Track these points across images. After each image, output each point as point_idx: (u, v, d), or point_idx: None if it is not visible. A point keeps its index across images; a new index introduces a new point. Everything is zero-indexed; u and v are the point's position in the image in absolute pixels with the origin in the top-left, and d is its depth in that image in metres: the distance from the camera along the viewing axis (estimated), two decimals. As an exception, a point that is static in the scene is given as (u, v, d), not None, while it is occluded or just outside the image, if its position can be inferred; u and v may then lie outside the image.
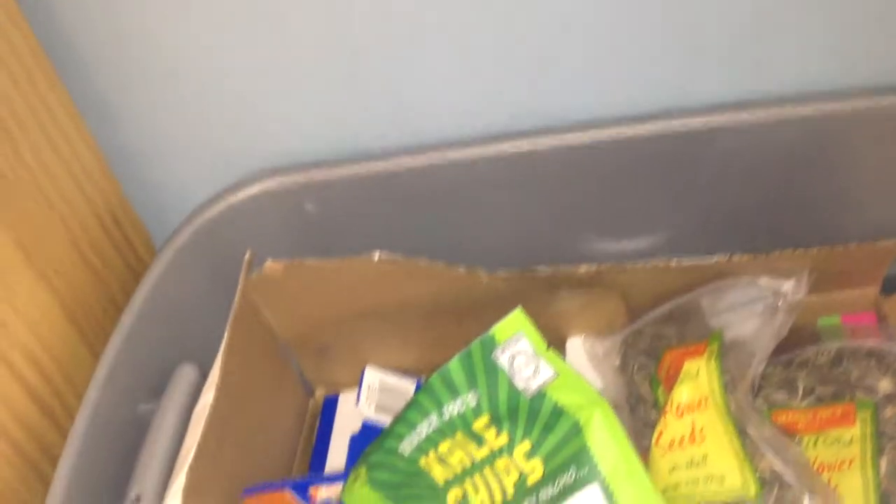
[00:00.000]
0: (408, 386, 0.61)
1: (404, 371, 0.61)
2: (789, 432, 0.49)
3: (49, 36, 0.57)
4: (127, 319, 0.55)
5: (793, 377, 0.51)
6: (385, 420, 0.57)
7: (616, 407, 0.53)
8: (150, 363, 0.56)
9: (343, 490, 0.52)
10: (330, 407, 0.64)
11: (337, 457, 0.61)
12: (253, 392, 0.56)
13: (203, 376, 0.54)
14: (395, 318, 0.59)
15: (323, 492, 0.53)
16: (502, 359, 0.49)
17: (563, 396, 0.47)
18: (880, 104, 0.55)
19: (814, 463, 0.48)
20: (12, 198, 0.52)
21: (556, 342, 0.57)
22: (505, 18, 0.56)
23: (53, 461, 0.49)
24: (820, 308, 0.57)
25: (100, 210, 0.60)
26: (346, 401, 0.64)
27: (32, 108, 0.55)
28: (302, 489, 0.53)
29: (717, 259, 0.50)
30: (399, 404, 0.53)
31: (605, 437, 0.45)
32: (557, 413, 0.47)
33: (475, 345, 0.49)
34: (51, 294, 0.54)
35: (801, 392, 0.51)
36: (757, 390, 0.52)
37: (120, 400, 0.53)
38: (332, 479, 0.53)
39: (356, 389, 0.61)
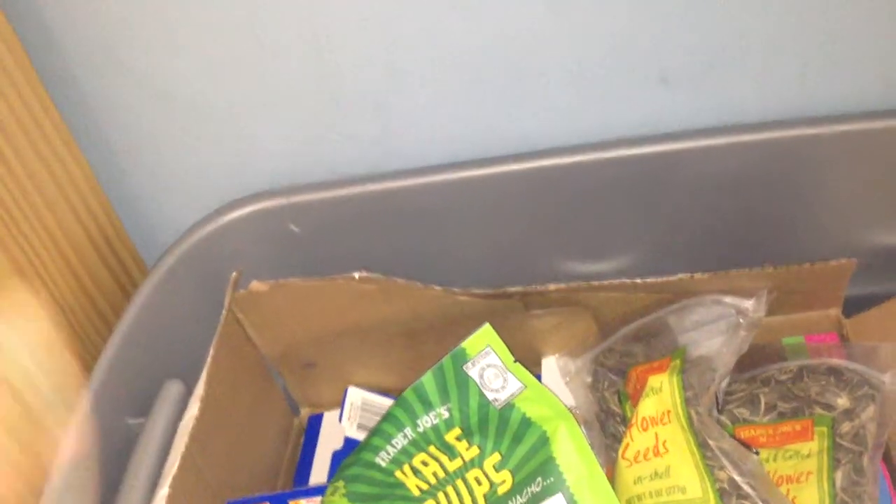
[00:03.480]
0: (389, 405, 0.63)
1: (387, 391, 0.63)
2: (752, 446, 0.51)
3: (44, 61, 0.59)
4: (117, 336, 0.56)
5: (756, 394, 0.53)
6: (367, 438, 0.58)
7: (587, 422, 0.56)
8: (140, 379, 0.57)
9: (321, 503, 0.53)
10: (314, 425, 0.65)
11: (320, 473, 0.62)
12: (237, 407, 0.58)
13: (191, 393, 0.55)
14: (377, 336, 0.61)
15: (302, 504, 0.55)
16: (473, 372, 0.51)
17: (530, 408, 0.49)
18: (840, 130, 0.57)
19: (774, 476, 0.50)
20: (7, 217, 0.54)
21: (532, 360, 0.59)
22: (481, 49, 0.59)
23: (44, 473, 0.51)
24: (785, 329, 0.59)
25: (91, 229, 0.62)
26: (330, 419, 0.65)
27: (27, 133, 0.56)
28: (281, 502, 0.55)
29: (679, 277, 0.52)
30: (380, 423, 0.55)
31: (571, 449, 0.47)
32: (526, 424, 0.49)
33: (447, 359, 0.51)
34: (42, 308, 0.56)
35: (763, 408, 0.53)
36: (722, 406, 0.53)
37: (109, 414, 0.54)
38: (311, 492, 0.55)
39: (340, 409, 0.63)
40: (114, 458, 0.54)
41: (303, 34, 0.58)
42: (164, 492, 0.48)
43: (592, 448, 0.49)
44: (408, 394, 0.52)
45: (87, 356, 0.60)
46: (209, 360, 0.53)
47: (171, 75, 0.61)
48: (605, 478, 0.46)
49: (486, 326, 0.51)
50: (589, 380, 0.57)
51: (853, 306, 0.60)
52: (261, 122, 0.63)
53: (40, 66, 0.59)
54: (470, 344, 0.51)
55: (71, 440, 0.52)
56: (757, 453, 0.50)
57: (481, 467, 0.49)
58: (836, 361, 0.52)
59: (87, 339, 0.60)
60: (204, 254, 0.61)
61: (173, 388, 0.57)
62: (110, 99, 0.62)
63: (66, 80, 0.61)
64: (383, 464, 0.51)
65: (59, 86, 0.61)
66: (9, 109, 0.55)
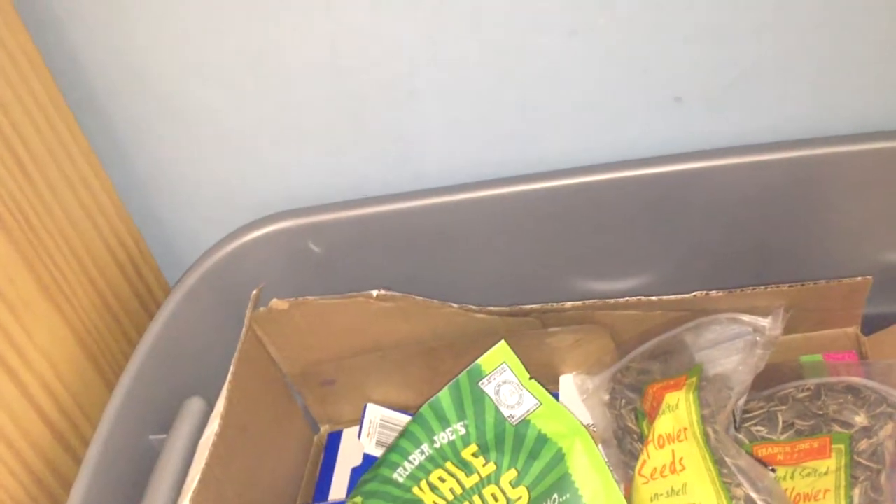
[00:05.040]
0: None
1: (405, 408, 0.63)
2: (769, 464, 0.51)
3: (69, 83, 0.60)
4: (139, 354, 0.57)
5: (773, 412, 0.53)
6: (386, 455, 0.59)
7: (604, 440, 0.56)
8: (161, 396, 0.57)
9: (340, 518, 0.54)
10: (333, 442, 0.66)
11: (339, 489, 0.62)
12: (257, 424, 0.58)
13: (211, 409, 0.56)
14: (396, 354, 0.61)
15: (321, 520, 0.56)
16: (488, 388, 0.51)
17: (546, 425, 0.49)
18: (857, 150, 0.57)
19: (791, 493, 0.49)
20: (32, 235, 0.55)
21: (550, 378, 0.60)
22: (500, 70, 0.59)
23: (67, 488, 0.51)
24: (803, 347, 0.59)
25: (115, 248, 0.63)
26: (349, 436, 0.66)
27: (52, 151, 0.58)
28: (301, 517, 0.55)
29: (695, 294, 0.53)
30: (399, 440, 0.55)
31: (586, 465, 0.47)
32: (541, 441, 0.49)
33: (463, 376, 0.52)
34: (67, 327, 0.57)
35: (780, 426, 0.53)
36: (740, 424, 0.54)
37: (131, 430, 0.55)
38: (330, 507, 0.55)
39: (359, 426, 0.63)
40: (135, 473, 0.54)
41: (325, 59, 0.59)
42: (184, 507, 0.49)
43: (609, 465, 0.49)
44: (424, 410, 0.52)
45: (109, 373, 0.61)
46: (229, 376, 0.54)
47: (195, 99, 0.62)
48: (620, 494, 0.46)
49: (502, 343, 0.52)
50: (606, 398, 0.57)
51: (873, 325, 0.60)
52: (282, 144, 0.64)
53: (67, 89, 0.60)
54: (486, 361, 0.52)
55: (92, 454, 0.52)
56: (774, 471, 0.50)
57: (498, 483, 0.49)
58: (854, 379, 0.52)
59: (110, 357, 0.61)
60: (225, 272, 0.62)
61: (194, 405, 0.57)
62: (135, 122, 0.63)
63: (92, 104, 0.62)
64: (401, 480, 0.52)
65: (85, 109, 0.62)
66: (36, 132, 0.56)
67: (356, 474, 0.62)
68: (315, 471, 0.65)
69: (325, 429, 0.67)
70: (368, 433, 0.62)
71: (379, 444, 0.62)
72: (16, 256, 0.53)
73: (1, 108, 0.53)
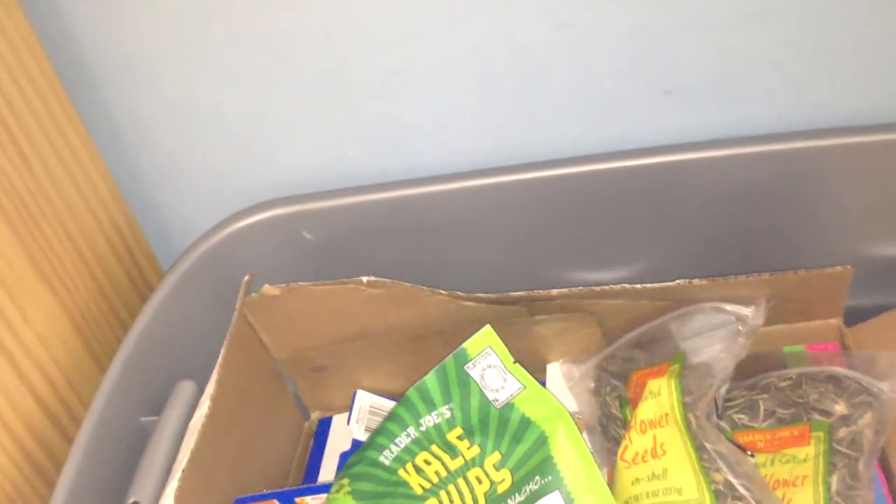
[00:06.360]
0: (395, 407, 0.64)
1: (394, 395, 0.64)
2: (750, 451, 0.52)
3: (66, 69, 0.61)
4: (132, 337, 0.57)
5: (755, 400, 0.54)
6: (375, 441, 0.59)
7: (590, 427, 0.56)
8: (153, 378, 0.58)
9: (326, 501, 0.54)
10: (323, 427, 0.67)
11: (328, 473, 0.63)
12: (248, 408, 0.59)
13: (202, 392, 0.57)
14: (385, 341, 0.62)
15: (308, 502, 0.56)
16: (474, 372, 0.52)
17: (530, 408, 0.50)
18: (843, 142, 0.58)
19: (771, 479, 0.50)
20: (28, 217, 0.56)
21: (537, 366, 0.60)
22: (492, 64, 0.60)
23: (58, 466, 0.52)
24: (787, 338, 0.60)
25: (110, 233, 0.64)
26: (339, 422, 0.66)
27: (49, 137, 0.58)
28: (288, 499, 0.56)
29: (678, 283, 0.53)
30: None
31: (569, 448, 0.48)
32: (525, 424, 0.50)
33: (449, 359, 0.53)
34: (61, 309, 0.58)
35: (762, 414, 0.53)
36: (722, 412, 0.54)
37: (123, 411, 0.56)
38: (317, 490, 0.56)
39: (349, 412, 0.64)
40: (126, 454, 0.55)
41: (320, 49, 0.60)
42: (173, 485, 0.50)
43: (594, 452, 0.50)
44: (411, 393, 0.53)
45: (102, 356, 0.62)
46: (220, 360, 0.55)
47: (191, 86, 0.63)
48: (601, 477, 0.47)
49: (487, 328, 0.52)
50: (592, 385, 0.58)
51: (857, 317, 0.60)
52: (276, 132, 0.65)
53: (64, 74, 0.61)
54: (471, 345, 0.52)
55: (84, 434, 0.53)
56: (753, 456, 0.51)
57: (482, 466, 0.50)
58: (835, 369, 0.53)
59: (103, 339, 0.62)
60: (218, 258, 0.62)
61: (186, 388, 0.58)
62: (131, 107, 0.64)
63: (89, 89, 0.63)
64: (387, 462, 0.53)
65: (82, 94, 0.63)
66: (33, 116, 0.57)
67: (345, 459, 0.63)
68: (305, 455, 0.66)
69: (315, 415, 0.68)
70: (358, 419, 0.63)
71: (368, 430, 0.62)
72: (12, 239, 0.54)
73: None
